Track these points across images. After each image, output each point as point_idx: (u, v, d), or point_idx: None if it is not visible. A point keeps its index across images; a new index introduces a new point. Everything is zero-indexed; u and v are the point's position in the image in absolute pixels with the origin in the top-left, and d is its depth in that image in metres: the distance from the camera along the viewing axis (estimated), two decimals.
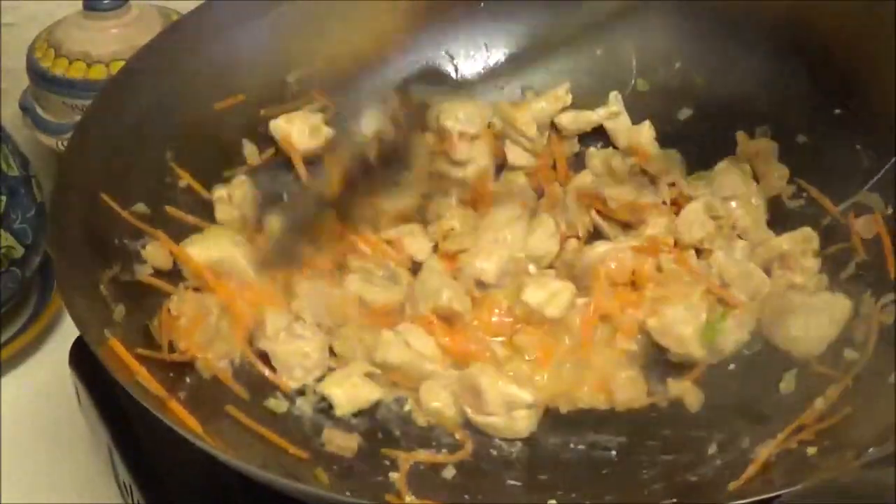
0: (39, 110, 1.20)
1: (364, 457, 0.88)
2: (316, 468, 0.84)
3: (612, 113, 1.08)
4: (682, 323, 0.93)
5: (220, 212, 1.00)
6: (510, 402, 0.89)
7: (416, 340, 0.93)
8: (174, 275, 0.94)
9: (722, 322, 0.94)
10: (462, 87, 1.07)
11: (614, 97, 1.08)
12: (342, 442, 0.88)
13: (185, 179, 0.99)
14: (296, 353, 0.92)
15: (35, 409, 1.11)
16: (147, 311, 0.90)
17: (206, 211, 0.99)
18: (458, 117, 1.04)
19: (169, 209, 0.97)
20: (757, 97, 1.03)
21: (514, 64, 1.09)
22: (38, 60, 1.18)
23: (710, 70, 1.06)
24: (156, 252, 0.94)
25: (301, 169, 1.03)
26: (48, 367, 1.13)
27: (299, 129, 1.04)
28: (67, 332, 1.10)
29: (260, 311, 0.94)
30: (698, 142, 1.05)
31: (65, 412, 1.05)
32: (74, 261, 0.88)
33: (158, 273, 0.93)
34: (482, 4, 1.10)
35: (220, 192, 1.00)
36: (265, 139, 1.04)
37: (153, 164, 0.98)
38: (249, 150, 1.03)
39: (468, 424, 0.90)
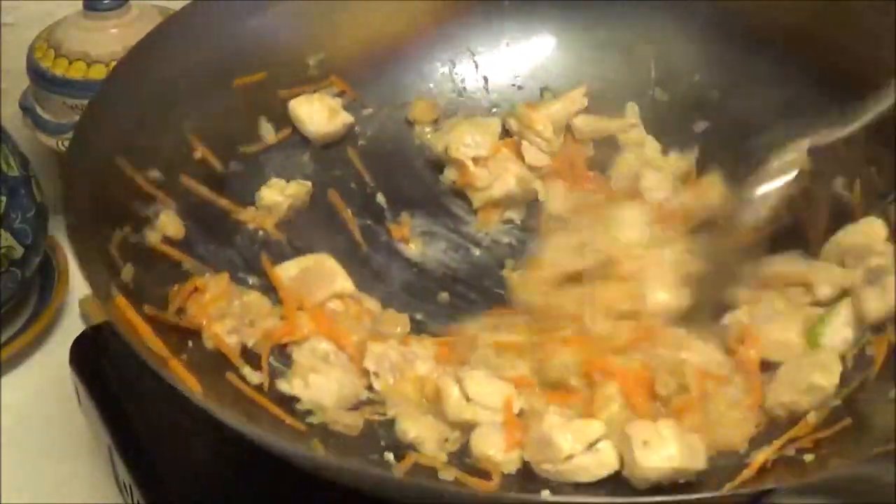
0: (39, 110, 1.19)
1: (362, 435, 0.87)
2: (312, 440, 0.84)
3: (629, 125, 1.07)
4: (782, 329, 0.91)
5: (266, 195, 1.00)
6: (584, 437, 0.84)
7: (481, 391, 0.88)
8: (184, 244, 0.94)
9: (823, 323, 0.91)
10: None
11: (631, 108, 1.07)
12: (349, 420, 0.87)
13: (200, 151, 0.98)
14: (315, 373, 0.90)
15: (35, 409, 1.11)
16: (155, 277, 0.90)
17: (220, 184, 0.99)
18: (466, 143, 1.04)
19: (183, 178, 0.96)
20: (775, 117, 1.02)
21: (535, 64, 1.10)
22: (38, 60, 1.17)
23: (728, 85, 1.06)
24: (169, 221, 0.93)
25: None
26: (48, 367, 1.13)
27: (318, 112, 1.03)
28: (67, 332, 1.11)
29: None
30: (712, 154, 1.05)
31: (65, 412, 1.05)
32: (85, 218, 0.87)
33: (170, 241, 0.93)
34: (506, 3, 1.10)
35: (276, 180, 1.01)
36: (282, 119, 1.03)
37: (171, 133, 0.97)
38: (266, 129, 1.02)
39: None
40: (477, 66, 1.10)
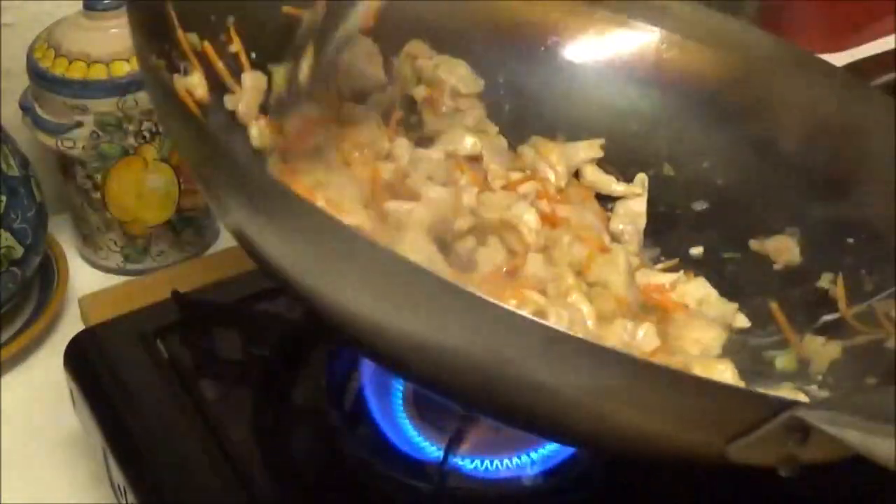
0: (39, 110, 1.20)
1: None
2: None
3: (633, 192, 1.11)
4: None
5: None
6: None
7: None
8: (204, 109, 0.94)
9: None
10: None
11: (641, 180, 1.11)
12: None
13: (236, 47, 0.98)
14: None
15: (34, 409, 1.12)
16: None
17: None
18: (458, 74, 1.08)
19: (215, 59, 0.96)
20: (775, 209, 1.06)
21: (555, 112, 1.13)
22: (38, 60, 1.18)
23: (734, 175, 1.09)
24: (198, 81, 0.93)
25: None
26: (48, 368, 1.14)
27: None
28: (67, 333, 1.11)
29: None
30: (706, 232, 1.09)
31: (64, 412, 1.05)
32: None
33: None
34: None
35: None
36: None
37: (214, 20, 0.97)
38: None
39: None
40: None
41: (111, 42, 1.17)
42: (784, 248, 1.04)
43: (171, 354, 1.01)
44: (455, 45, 1.10)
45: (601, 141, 1.10)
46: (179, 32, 0.92)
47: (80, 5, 1.19)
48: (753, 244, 1.05)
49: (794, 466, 0.68)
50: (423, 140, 1.07)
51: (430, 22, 1.09)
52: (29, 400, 1.13)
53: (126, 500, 0.93)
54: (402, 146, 1.02)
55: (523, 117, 1.12)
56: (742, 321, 1.01)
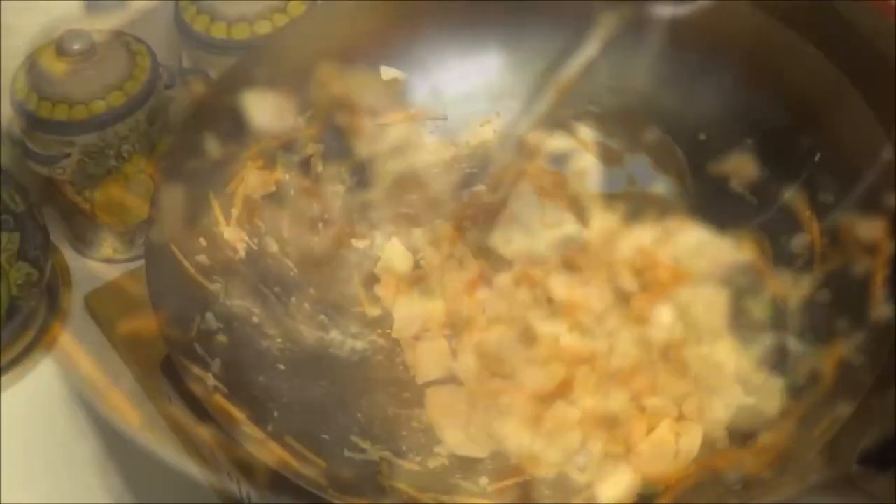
0: (30, 144, 1.23)
1: None
2: None
3: (576, 146, 1.09)
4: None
5: None
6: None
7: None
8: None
9: None
10: None
11: (584, 130, 1.09)
12: None
13: None
14: None
15: (34, 409, 1.14)
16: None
17: None
18: (368, 93, 1.06)
19: None
20: (724, 120, 1.06)
21: (486, 78, 1.11)
22: (22, 103, 1.21)
23: (679, 100, 1.08)
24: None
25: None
26: (48, 368, 1.17)
27: (270, 107, 1.04)
28: (69, 333, 1.17)
29: None
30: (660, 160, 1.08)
31: (64, 413, 1.10)
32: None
33: None
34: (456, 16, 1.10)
35: None
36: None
37: None
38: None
39: None
40: (427, 79, 1.10)
41: (88, 84, 1.21)
42: (742, 164, 1.03)
43: None
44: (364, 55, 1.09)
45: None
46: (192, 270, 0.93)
47: (80, 5, 1.22)
48: (711, 167, 1.04)
49: None
50: (357, 168, 1.08)
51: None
52: (29, 400, 1.14)
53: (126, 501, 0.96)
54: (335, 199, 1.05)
55: (460, 97, 1.11)
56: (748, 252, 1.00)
